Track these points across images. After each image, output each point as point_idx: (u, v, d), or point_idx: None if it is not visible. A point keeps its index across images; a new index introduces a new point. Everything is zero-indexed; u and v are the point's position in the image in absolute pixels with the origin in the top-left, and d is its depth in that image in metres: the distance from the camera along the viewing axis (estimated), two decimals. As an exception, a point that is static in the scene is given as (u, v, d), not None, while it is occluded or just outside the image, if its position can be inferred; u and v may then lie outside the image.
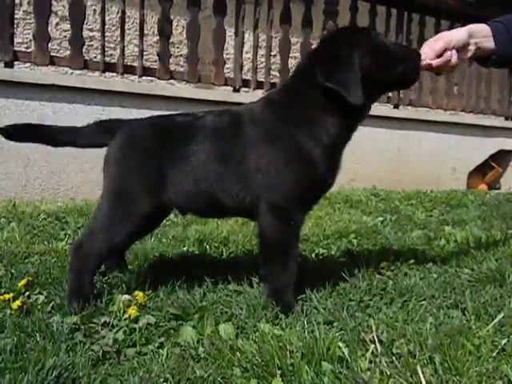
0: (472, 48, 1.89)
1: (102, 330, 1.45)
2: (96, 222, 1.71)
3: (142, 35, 4.29)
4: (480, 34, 1.89)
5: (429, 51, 1.82)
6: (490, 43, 1.90)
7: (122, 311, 1.54)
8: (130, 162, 1.72)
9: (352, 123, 1.71)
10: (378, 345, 1.32)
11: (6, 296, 1.60)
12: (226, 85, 4.74)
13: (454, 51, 1.83)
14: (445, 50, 1.82)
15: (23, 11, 5.14)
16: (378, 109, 5.36)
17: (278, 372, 1.19)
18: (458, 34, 1.86)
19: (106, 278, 1.93)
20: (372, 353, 1.28)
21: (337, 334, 1.38)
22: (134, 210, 1.68)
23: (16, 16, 4.26)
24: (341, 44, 1.63)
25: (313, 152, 1.64)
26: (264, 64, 5.03)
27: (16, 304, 1.53)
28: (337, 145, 1.70)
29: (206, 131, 1.72)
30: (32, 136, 1.83)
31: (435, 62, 1.82)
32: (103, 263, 1.87)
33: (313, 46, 4.88)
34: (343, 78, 1.58)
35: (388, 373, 1.19)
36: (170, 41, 4.45)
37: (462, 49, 1.86)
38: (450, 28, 4.29)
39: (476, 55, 1.93)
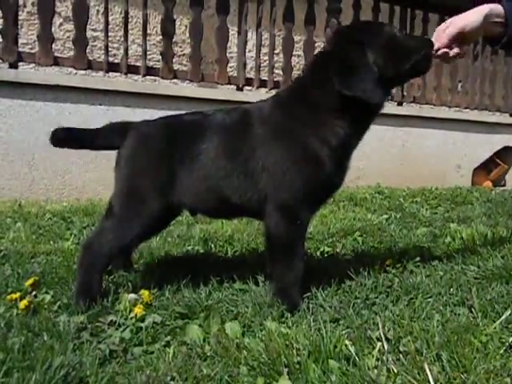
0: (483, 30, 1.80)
1: (108, 328, 1.45)
2: (106, 222, 1.71)
3: (145, 35, 4.30)
4: (494, 16, 1.79)
5: (444, 38, 1.76)
6: (501, 26, 1.80)
7: (128, 310, 1.54)
8: (141, 162, 1.73)
9: (363, 124, 1.70)
10: (384, 342, 1.32)
11: (13, 296, 1.60)
12: (229, 83, 4.74)
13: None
14: (459, 35, 1.75)
15: (27, 12, 5.16)
16: (381, 106, 5.35)
17: (285, 370, 1.19)
18: (472, 19, 1.77)
19: (112, 276, 1.94)
20: (379, 350, 1.28)
21: (343, 332, 1.38)
22: (144, 210, 1.68)
23: (20, 17, 4.28)
24: (353, 45, 1.60)
25: (320, 152, 1.63)
26: (267, 62, 5.03)
27: (23, 303, 1.54)
28: (346, 147, 1.69)
29: (216, 130, 1.73)
30: (71, 140, 1.84)
31: (452, 53, 1.76)
32: (111, 263, 1.87)
33: (321, 45, 4.88)
34: (362, 84, 1.57)
35: (395, 370, 1.19)
36: (173, 40, 4.46)
37: (475, 32, 1.78)
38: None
39: (485, 35, 1.85)
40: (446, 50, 1.76)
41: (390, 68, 1.62)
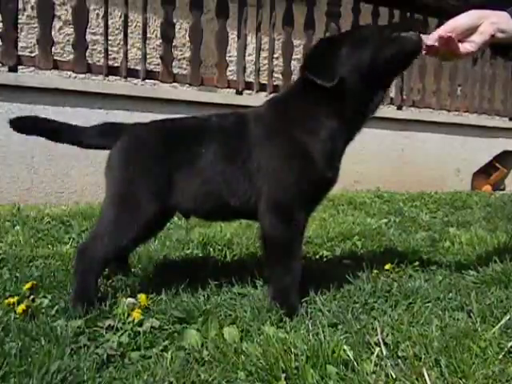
0: (488, 29, 1.74)
1: (106, 333, 1.45)
2: (101, 226, 1.70)
3: (144, 39, 4.30)
4: (495, 16, 1.75)
5: (435, 33, 1.74)
6: (510, 25, 1.75)
7: (126, 314, 1.54)
8: (135, 165, 1.71)
9: (355, 123, 1.71)
10: (383, 347, 1.32)
11: (11, 300, 1.60)
12: (228, 87, 4.74)
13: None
14: (450, 36, 1.72)
15: (27, 16, 5.17)
16: (381, 110, 5.34)
17: (283, 375, 1.19)
18: (462, 18, 1.75)
19: (110, 281, 1.93)
20: (377, 356, 1.28)
21: (342, 337, 1.38)
22: (140, 213, 1.67)
23: (20, 21, 4.28)
24: (328, 41, 1.73)
25: (308, 146, 1.64)
26: (267, 66, 5.03)
27: (20, 308, 1.53)
28: (337, 143, 1.69)
29: (211, 132, 1.73)
30: (38, 129, 1.82)
31: (430, 40, 1.72)
32: (108, 266, 1.87)
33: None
34: (317, 65, 1.65)
35: (393, 376, 1.18)
36: (173, 44, 4.46)
37: (470, 34, 1.74)
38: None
39: (495, 41, 1.78)
40: (434, 44, 1.72)
41: (360, 60, 1.61)
